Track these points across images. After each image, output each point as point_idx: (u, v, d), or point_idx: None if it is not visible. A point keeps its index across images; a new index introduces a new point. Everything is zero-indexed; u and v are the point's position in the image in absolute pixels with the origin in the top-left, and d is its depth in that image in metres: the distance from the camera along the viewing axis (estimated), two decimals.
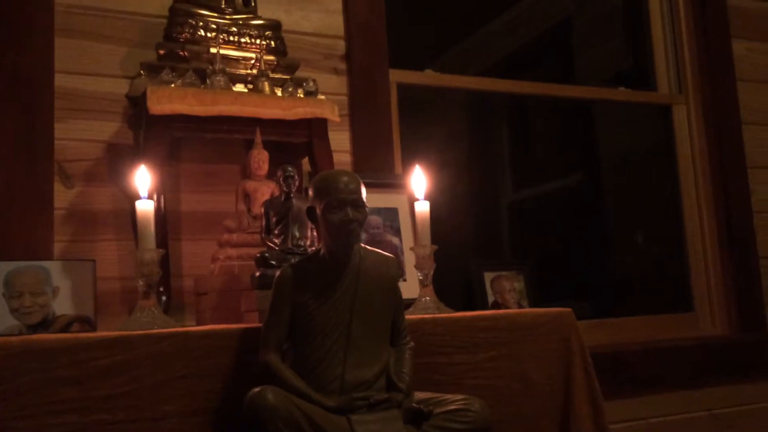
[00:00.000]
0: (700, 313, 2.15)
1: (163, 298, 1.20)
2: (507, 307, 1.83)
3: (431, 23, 2.30)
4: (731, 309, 2.10)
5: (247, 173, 1.33)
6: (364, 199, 0.96)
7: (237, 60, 1.42)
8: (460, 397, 0.94)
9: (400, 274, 1.11)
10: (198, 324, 1.22)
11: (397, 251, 1.58)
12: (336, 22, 1.73)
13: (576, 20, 2.57)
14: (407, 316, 1.09)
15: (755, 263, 2.12)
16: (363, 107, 1.72)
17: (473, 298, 1.89)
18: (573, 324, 1.21)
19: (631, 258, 2.37)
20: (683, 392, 1.93)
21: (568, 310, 1.23)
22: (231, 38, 1.42)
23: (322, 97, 1.46)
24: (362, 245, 0.99)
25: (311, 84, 1.46)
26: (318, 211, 0.95)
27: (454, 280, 1.98)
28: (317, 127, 1.44)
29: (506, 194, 2.45)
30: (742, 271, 2.11)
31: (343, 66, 1.72)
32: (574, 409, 1.15)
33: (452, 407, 0.91)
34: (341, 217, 0.92)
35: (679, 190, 2.22)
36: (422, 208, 1.27)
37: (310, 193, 0.97)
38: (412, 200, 1.32)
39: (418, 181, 1.30)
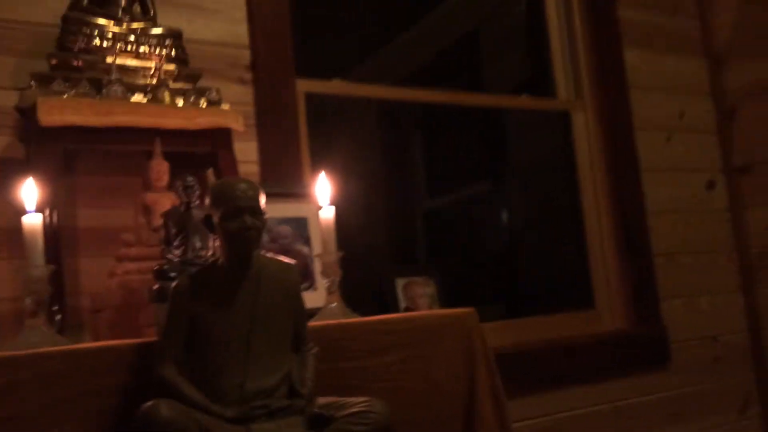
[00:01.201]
0: (600, 310, 2.25)
1: (57, 316, 1.15)
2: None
3: (347, 33, 2.33)
4: (629, 305, 2.21)
5: (147, 185, 1.30)
6: (263, 207, 0.96)
7: (135, 70, 1.39)
8: (362, 399, 0.95)
9: (302, 280, 1.11)
10: (94, 342, 1.18)
11: (307, 260, 1.59)
12: (240, 31, 1.72)
13: (483, 32, 2.66)
14: (314, 323, 1.09)
15: (650, 261, 2.25)
16: (270, 117, 1.72)
17: (386, 304, 1.92)
18: (476, 324, 1.25)
19: (538, 260, 2.46)
20: (587, 387, 2.02)
21: (471, 310, 1.26)
22: (129, 47, 1.39)
23: (226, 106, 1.45)
24: (262, 253, 0.99)
25: (214, 93, 1.44)
26: (215, 219, 0.94)
27: (367, 287, 2.00)
28: (221, 137, 1.43)
29: (421, 201, 2.50)
30: (638, 268, 2.22)
31: (248, 75, 1.71)
32: (478, 408, 1.18)
33: (354, 410, 0.92)
34: (238, 224, 0.92)
35: (579, 192, 2.32)
36: (327, 214, 1.28)
37: (207, 201, 0.96)
38: (317, 208, 1.33)
39: (323, 187, 1.30)
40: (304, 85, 1.87)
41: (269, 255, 1.01)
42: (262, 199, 0.96)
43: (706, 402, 2.25)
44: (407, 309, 1.88)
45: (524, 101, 2.31)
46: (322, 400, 0.96)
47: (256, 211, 0.94)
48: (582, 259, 2.30)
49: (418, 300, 1.92)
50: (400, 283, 1.95)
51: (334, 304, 1.25)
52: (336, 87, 1.99)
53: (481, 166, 2.52)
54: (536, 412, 1.92)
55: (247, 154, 1.63)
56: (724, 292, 2.39)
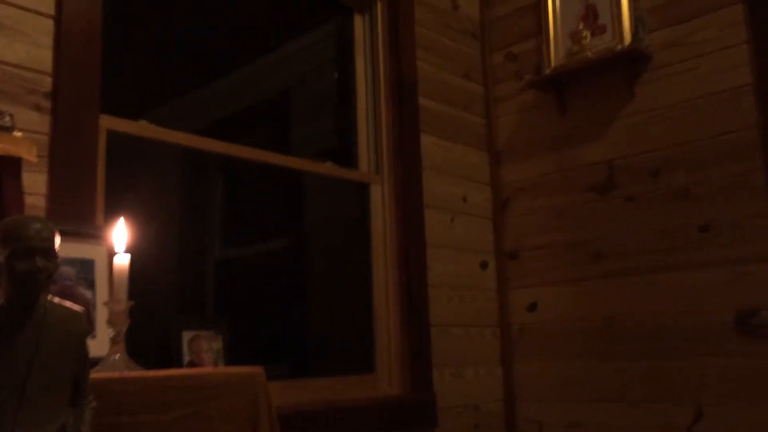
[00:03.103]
0: (380, 374, 2.37)
1: None
2: (202, 368, 1.82)
3: (160, 73, 2.27)
4: (405, 371, 2.36)
5: None
6: (57, 249, 0.91)
7: None
8: None
9: (89, 330, 1.06)
10: None
11: (89, 305, 1.50)
12: (44, 57, 1.63)
13: (296, 94, 2.75)
14: (95, 375, 1.04)
15: (427, 330, 2.42)
16: (65, 150, 1.62)
17: (170, 357, 1.85)
18: (263, 384, 1.26)
19: (327, 321, 2.53)
20: None
21: (259, 369, 1.28)
22: None
23: (19, 134, 1.35)
24: (49, 298, 0.94)
25: (8, 119, 1.35)
26: (1, 257, 0.88)
27: (153, 338, 1.92)
28: (10, 165, 1.33)
29: (215, 252, 2.47)
30: (417, 336, 2.38)
31: (47, 104, 1.61)
32: None
33: None
34: (28, 266, 0.86)
35: (371, 260, 2.45)
36: (121, 261, 1.24)
37: None
38: (111, 253, 1.28)
39: (120, 233, 1.26)
40: (107, 122, 1.80)
41: (56, 300, 0.95)
42: (57, 241, 0.92)
43: None
44: (191, 363, 1.83)
45: (327, 168, 2.42)
46: None
47: (49, 253, 0.89)
48: (368, 324, 2.41)
49: (203, 355, 1.88)
50: (186, 336, 1.90)
51: (118, 356, 1.20)
52: (142, 128, 1.93)
53: (280, 222, 2.56)
54: None
55: (35, 186, 1.52)
56: (486, 363, 2.64)
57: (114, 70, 1.86)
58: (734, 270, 2.17)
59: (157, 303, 2.07)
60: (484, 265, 2.72)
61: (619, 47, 2.41)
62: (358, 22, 2.60)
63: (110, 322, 1.21)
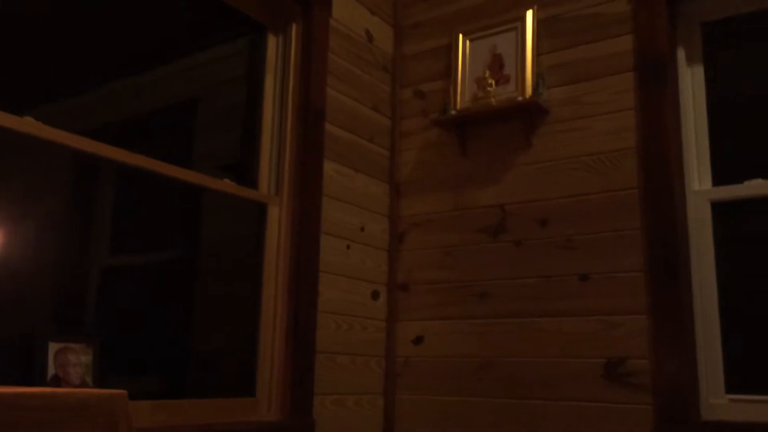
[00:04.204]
0: (260, 399, 2.33)
1: None
2: (68, 383, 1.73)
3: (55, 67, 2.17)
4: (286, 396, 2.33)
5: None
6: None
7: None
8: None
9: None
10: None
11: None
12: None
13: (202, 104, 2.69)
14: None
15: (312, 356, 2.41)
16: None
17: (33, 371, 1.75)
18: (124, 407, 1.22)
19: (212, 340, 2.47)
20: None
21: (122, 392, 1.23)
22: None
23: None
24: None
25: None
26: None
27: (17, 349, 1.81)
28: None
29: (102, 259, 2.36)
30: (301, 362, 2.37)
31: None
32: None
33: None
34: None
35: (261, 281, 2.42)
36: None
37: None
38: None
39: None
40: None
41: None
42: None
43: None
44: (55, 378, 1.74)
45: (224, 185, 2.38)
46: None
47: None
48: (253, 345, 2.38)
49: (70, 369, 1.80)
50: (53, 347, 1.80)
51: None
52: (26, 125, 1.84)
53: (174, 233, 2.49)
54: None
55: None
56: (369, 393, 2.65)
57: (5, 62, 1.77)
58: (607, 320, 2.30)
59: (27, 310, 1.96)
60: (375, 295, 2.74)
61: (520, 98, 2.52)
62: (272, 42, 2.60)
63: None
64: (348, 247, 2.64)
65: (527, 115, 2.54)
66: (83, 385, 1.78)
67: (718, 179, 2.34)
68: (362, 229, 2.71)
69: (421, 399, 2.63)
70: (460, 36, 2.75)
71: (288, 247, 2.45)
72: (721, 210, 2.31)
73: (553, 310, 2.40)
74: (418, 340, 2.69)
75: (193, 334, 2.46)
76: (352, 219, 2.67)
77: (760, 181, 2.26)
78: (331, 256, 2.54)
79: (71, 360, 1.80)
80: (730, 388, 2.21)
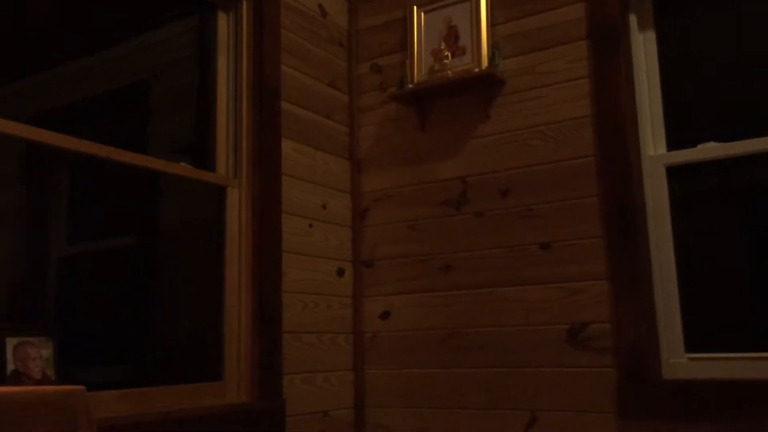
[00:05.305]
0: (228, 382, 2.32)
1: None
2: (29, 377, 1.71)
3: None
4: (254, 378, 2.33)
5: None
6: None
7: None
8: None
9: None
10: None
11: None
12: None
13: (155, 86, 2.63)
14: None
15: (279, 336, 2.41)
16: None
17: None
18: (83, 402, 1.20)
19: (174, 326, 2.45)
20: None
21: (80, 388, 1.21)
22: None
23: None
24: None
25: None
26: None
27: None
28: None
29: (58, 248, 2.32)
30: (268, 343, 2.36)
31: None
32: None
33: None
34: None
35: (224, 265, 2.40)
36: None
37: None
38: None
39: None
40: None
41: None
42: None
43: None
44: (15, 372, 1.71)
45: (181, 168, 2.34)
46: None
47: None
48: (218, 329, 2.36)
49: (30, 363, 1.76)
50: (11, 342, 1.77)
51: None
52: None
53: (132, 218, 2.45)
54: None
55: None
56: (338, 370, 2.66)
57: None
58: (569, 287, 2.33)
59: None
60: (340, 273, 2.74)
61: (476, 70, 2.51)
62: (222, 20, 2.54)
63: None
64: (310, 225, 2.62)
65: (484, 87, 2.54)
66: (45, 378, 1.75)
67: (673, 144, 2.38)
68: (324, 207, 2.70)
69: (390, 373, 2.66)
70: (415, 8, 2.73)
71: (249, 229, 2.42)
72: (676, 174, 2.36)
73: (516, 279, 2.43)
74: (384, 315, 2.71)
75: (156, 320, 2.43)
76: (313, 197, 2.65)
77: (713, 144, 2.30)
78: (293, 235, 2.53)
79: (31, 354, 1.76)
80: (689, 347, 2.27)
